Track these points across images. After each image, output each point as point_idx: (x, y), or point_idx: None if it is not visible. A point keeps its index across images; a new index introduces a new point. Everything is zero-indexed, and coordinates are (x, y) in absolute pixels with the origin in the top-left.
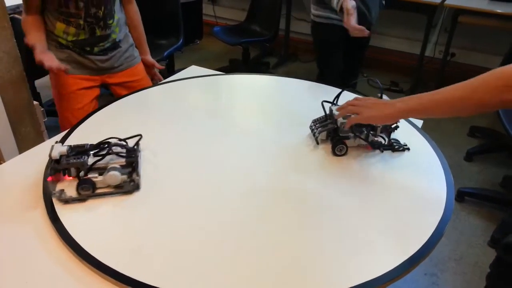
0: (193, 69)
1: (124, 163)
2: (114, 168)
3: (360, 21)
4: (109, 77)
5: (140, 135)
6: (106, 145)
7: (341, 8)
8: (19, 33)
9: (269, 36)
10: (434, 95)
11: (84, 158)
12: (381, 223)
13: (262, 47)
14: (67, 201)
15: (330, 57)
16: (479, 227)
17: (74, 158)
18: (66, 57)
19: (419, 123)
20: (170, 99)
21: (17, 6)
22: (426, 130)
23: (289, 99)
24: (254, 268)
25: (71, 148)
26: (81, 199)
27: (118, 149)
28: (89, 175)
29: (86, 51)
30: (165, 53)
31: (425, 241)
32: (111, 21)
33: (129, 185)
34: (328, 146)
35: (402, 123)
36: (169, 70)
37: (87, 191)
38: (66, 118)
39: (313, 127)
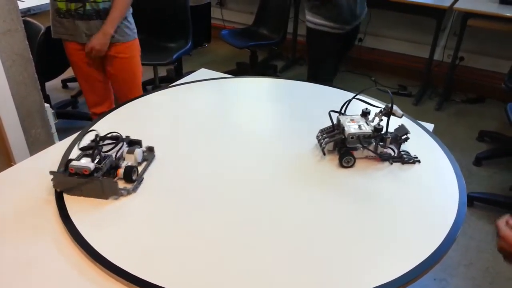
0: (202, 72)
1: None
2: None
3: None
4: None
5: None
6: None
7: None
8: (31, 36)
9: (277, 40)
10: None
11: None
12: (392, 228)
13: (270, 50)
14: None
15: (324, 64)
16: (489, 232)
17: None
18: (64, 25)
19: (430, 127)
20: (179, 102)
21: (28, 9)
22: (435, 134)
23: (296, 103)
24: (260, 271)
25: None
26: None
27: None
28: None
29: (79, 14)
30: (174, 56)
31: (436, 246)
32: None
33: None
34: (335, 157)
35: (412, 128)
36: (178, 73)
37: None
38: (81, 85)
39: (320, 137)
